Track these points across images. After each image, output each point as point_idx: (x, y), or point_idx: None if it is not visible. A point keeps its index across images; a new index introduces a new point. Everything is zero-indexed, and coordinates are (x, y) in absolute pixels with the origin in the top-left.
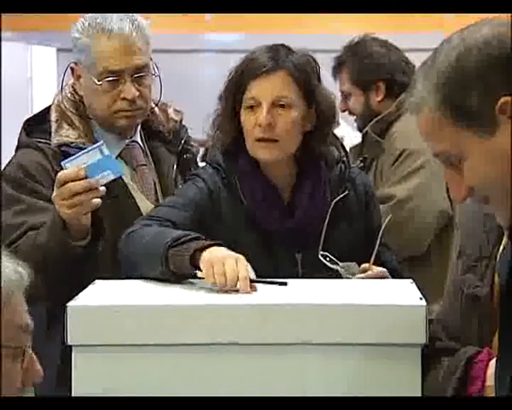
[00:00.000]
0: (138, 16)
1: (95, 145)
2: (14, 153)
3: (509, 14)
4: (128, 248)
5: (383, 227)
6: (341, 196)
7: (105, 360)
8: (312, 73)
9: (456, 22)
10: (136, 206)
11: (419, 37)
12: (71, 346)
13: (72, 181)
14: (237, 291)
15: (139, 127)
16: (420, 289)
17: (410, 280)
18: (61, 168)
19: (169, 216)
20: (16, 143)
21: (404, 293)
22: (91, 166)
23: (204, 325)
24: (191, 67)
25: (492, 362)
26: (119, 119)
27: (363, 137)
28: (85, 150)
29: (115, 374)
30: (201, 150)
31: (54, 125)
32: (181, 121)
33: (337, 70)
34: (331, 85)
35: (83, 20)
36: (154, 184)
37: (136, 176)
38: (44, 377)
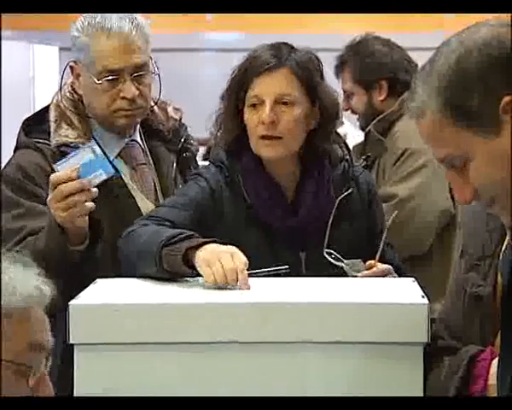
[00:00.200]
0: (137, 15)
1: (86, 145)
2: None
3: (509, 14)
4: (126, 247)
5: (389, 225)
6: (345, 194)
7: (106, 358)
8: (315, 71)
9: (456, 22)
10: (135, 205)
11: (419, 36)
12: (72, 345)
13: (64, 183)
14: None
15: (138, 126)
16: (422, 288)
17: (412, 278)
18: None
19: (169, 216)
20: (15, 143)
21: (406, 291)
22: (83, 166)
23: (204, 323)
24: (191, 67)
25: (495, 361)
26: (118, 118)
27: (366, 136)
28: (77, 151)
29: (117, 372)
30: (201, 149)
31: (53, 125)
32: (180, 120)
33: (339, 69)
34: (333, 84)
35: (82, 19)
36: (154, 183)
37: (136, 175)
38: None
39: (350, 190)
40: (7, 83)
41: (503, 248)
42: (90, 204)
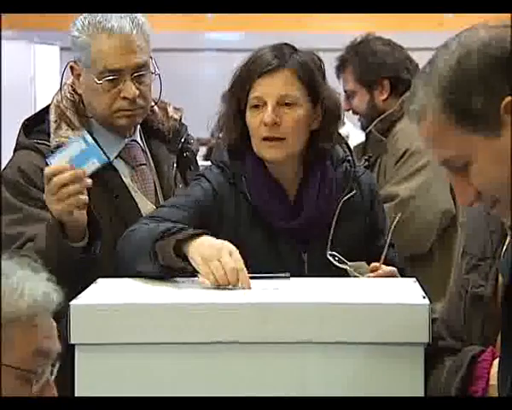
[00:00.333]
0: (138, 14)
1: (78, 136)
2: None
3: (509, 14)
4: (124, 247)
5: (393, 226)
6: (349, 195)
7: (107, 358)
8: (317, 72)
9: (456, 22)
10: (136, 205)
11: (419, 36)
12: (73, 345)
13: (57, 175)
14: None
15: (138, 126)
16: (423, 288)
17: (413, 279)
18: None
19: (169, 216)
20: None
21: (407, 291)
22: (76, 157)
23: (205, 323)
24: (192, 66)
25: (496, 361)
26: (119, 118)
27: (367, 136)
28: (68, 143)
29: (117, 372)
30: (201, 149)
31: (53, 126)
32: (180, 119)
33: (340, 69)
34: (334, 84)
35: (82, 19)
36: (154, 183)
37: (136, 175)
38: None
39: (353, 192)
40: (7, 83)
41: (504, 249)
42: (84, 196)
